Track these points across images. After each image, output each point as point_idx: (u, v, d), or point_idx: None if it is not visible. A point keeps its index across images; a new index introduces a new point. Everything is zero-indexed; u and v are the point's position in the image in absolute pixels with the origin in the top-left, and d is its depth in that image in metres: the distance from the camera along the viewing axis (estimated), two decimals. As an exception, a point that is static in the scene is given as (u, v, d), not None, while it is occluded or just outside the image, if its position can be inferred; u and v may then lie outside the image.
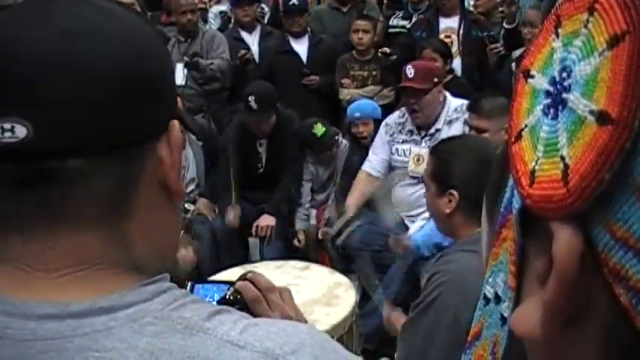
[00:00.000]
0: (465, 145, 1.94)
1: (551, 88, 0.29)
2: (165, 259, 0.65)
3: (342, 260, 3.58)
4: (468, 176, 1.82)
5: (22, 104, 0.53)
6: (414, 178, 3.40)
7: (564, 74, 0.29)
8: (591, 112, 0.27)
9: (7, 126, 0.53)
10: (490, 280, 0.36)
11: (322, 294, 2.71)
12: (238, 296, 0.97)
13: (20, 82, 0.54)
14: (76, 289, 0.56)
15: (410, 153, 3.49)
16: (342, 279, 2.88)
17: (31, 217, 0.56)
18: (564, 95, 0.28)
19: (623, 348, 0.28)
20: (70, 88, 0.54)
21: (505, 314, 0.34)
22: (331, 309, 2.58)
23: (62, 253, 0.56)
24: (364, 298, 3.12)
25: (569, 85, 0.28)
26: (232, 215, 3.76)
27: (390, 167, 3.61)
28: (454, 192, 1.84)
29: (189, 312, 0.57)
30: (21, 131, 0.53)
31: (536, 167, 0.29)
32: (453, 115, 3.41)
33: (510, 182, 0.33)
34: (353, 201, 3.56)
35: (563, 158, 0.28)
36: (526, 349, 0.34)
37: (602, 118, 0.26)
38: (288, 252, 3.77)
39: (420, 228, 3.15)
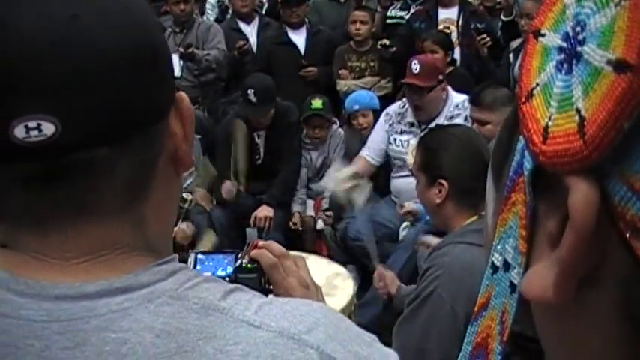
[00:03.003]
0: (453, 136, 1.95)
1: (564, 44, 0.29)
2: (171, 233, 0.65)
3: (341, 251, 3.58)
4: (456, 166, 1.83)
5: (42, 97, 0.50)
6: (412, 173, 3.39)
7: (578, 28, 0.28)
8: (608, 62, 0.26)
9: (31, 124, 0.50)
10: (498, 247, 0.35)
11: (320, 284, 2.70)
12: (255, 264, 0.97)
13: (32, 73, 0.50)
14: (93, 272, 0.55)
15: (408, 145, 3.48)
16: (341, 269, 2.88)
17: (51, 211, 0.55)
18: (579, 49, 0.28)
19: (638, 308, 0.27)
20: (82, 74, 0.51)
21: (515, 281, 0.33)
22: (329, 299, 2.57)
23: (82, 242, 0.56)
24: (362, 288, 3.12)
25: (584, 39, 0.27)
26: (228, 187, 3.74)
27: (387, 157, 3.60)
28: (444, 182, 1.84)
29: (203, 291, 0.56)
30: (48, 128, 0.50)
31: (550, 123, 0.29)
32: (455, 111, 3.41)
33: (519, 145, 0.33)
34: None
35: (578, 111, 0.27)
36: (534, 317, 0.33)
37: (620, 66, 0.25)
38: (287, 243, 3.77)
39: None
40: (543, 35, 0.31)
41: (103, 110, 0.52)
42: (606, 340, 0.29)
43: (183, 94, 0.61)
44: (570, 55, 0.28)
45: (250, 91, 3.64)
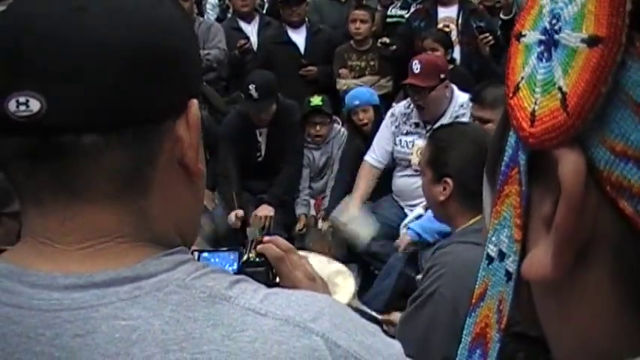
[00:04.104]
0: (463, 134, 1.94)
1: (543, 37, 0.32)
2: (187, 235, 0.66)
3: (342, 249, 3.58)
4: (463, 164, 1.81)
5: (35, 77, 0.54)
6: (417, 170, 3.39)
7: (554, 21, 0.31)
8: (582, 41, 0.29)
9: (21, 99, 0.53)
10: (493, 238, 0.36)
11: (321, 282, 2.70)
12: (262, 258, 0.98)
13: (32, 54, 0.54)
14: (99, 260, 0.57)
15: (413, 145, 3.49)
16: (342, 267, 2.88)
17: (47, 190, 0.57)
18: (556, 37, 0.31)
19: (632, 271, 0.29)
20: (79, 62, 0.54)
21: (510, 269, 0.34)
22: (330, 297, 2.57)
23: (80, 225, 0.57)
24: (363, 287, 3.13)
25: (560, 27, 0.31)
26: (234, 217, 3.75)
27: (393, 159, 3.61)
28: (449, 180, 1.83)
29: (211, 281, 0.58)
30: (35, 105, 0.53)
31: (536, 108, 0.31)
32: (460, 110, 3.40)
33: (511, 141, 0.34)
34: (358, 196, 3.55)
35: (560, 88, 0.30)
36: (536, 301, 0.34)
37: (592, 41, 0.29)
38: (288, 241, 3.76)
39: (419, 217, 3.16)
40: (524, 36, 0.34)
41: (91, 100, 0.55)
42: (606, 311, 0.31)
43: (194, 100, 0.62)
44: (549, 44, 0.31)
45: (252, 87, 3.64)
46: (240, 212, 3.76)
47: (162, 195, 0.60)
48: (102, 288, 0.55)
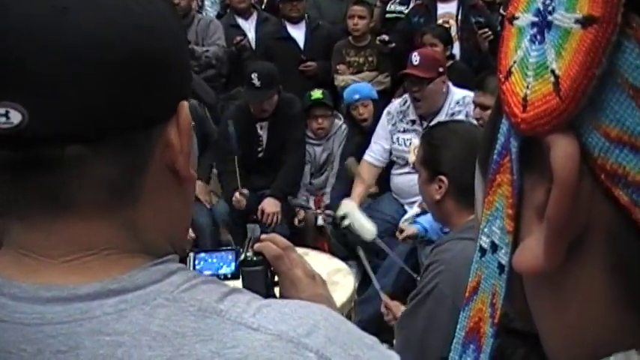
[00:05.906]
0: (456, 132, 1.94)
1: (536, 19, 0.30)
2: (176, 242, 0.63)
3: (341, 246, 3.58)
4: (457, 162, 1.82)
5: (15, 86, 0.51)
6: (414, 168, 3.39)
7: (548, 1, 0.30)
8: (576, 21, 0.28)
9: (1, 110, 0.50)
10: (485, 230, 0.35)
11: (321, 280, 2.70)
12: (260, 257, 0.96)
13: (10, 62, 0.51)
14: (84, 273, 0.55)
15: (410, 144, 3.48)
16: (341, 265, 2.88)
17: (31, 204, 0.54)
18: (549, 18, 0.29)
19: (632, 262, 0.28)
20: (62, 68, 0.51)
21: (503, 261, 0.33)
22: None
23: (66, 239, 0.55)
24: (362, 284, 3.12)
25: (553, 8, 0.29)
26: (238, 195, 3.72)
27: (391, 156, 3.61)
28: (443, 178, 1.84)
29: (200, 293, 0.55)
30: (15, 116, 0.50)
31: (528, 92, 0.30)
32: (456, 108, 3.41)
33: (503, 129, 0.33)
34: (357, 194, 3.54)
35: (553, 71, 0.28)
36: (528, 297, 0.33)
37: (587, 21, 0.27)
38: (289, 238, 3.75)
39: (417, 215, 3.15)
40: (517, 18, 0.32)
41: (76, 108, 0.52)
42: (601, 302, 0.30)
43: (184, 103, 0.59)
44: (542, 26, 0.30)
45: (254, 75, 3.64)
46: (245, 190, 3.72)
47: (151, 203, 0.58)
48: (86, 301, 0.53)
